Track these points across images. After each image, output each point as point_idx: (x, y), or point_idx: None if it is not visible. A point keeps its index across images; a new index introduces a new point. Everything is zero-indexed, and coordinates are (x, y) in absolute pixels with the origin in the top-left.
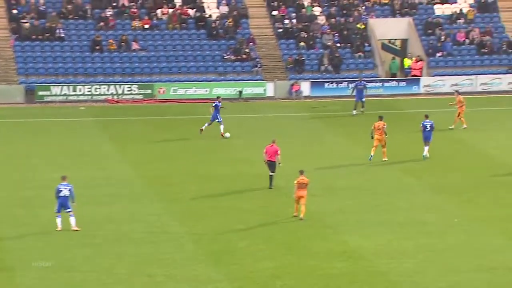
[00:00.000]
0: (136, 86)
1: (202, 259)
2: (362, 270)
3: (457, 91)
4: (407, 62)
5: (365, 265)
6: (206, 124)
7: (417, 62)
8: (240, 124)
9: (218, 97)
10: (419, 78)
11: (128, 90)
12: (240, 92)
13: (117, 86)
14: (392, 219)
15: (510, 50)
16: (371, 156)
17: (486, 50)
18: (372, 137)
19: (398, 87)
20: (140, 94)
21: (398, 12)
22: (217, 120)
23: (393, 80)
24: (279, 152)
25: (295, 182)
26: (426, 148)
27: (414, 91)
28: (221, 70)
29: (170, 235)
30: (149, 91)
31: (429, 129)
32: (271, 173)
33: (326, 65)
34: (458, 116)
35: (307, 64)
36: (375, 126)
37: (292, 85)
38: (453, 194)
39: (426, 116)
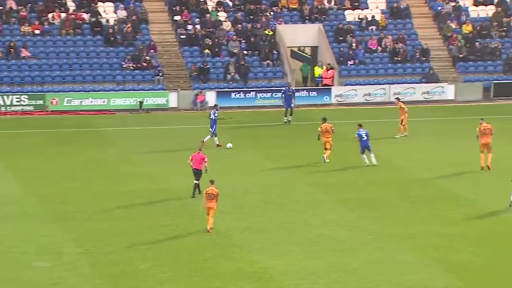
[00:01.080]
0: (26, 96)
1: (99, 283)
2: None
3: (397, 98)
4: (318, 71)
5: (275, 286)
6: (209, 137)
7: (328, 70)
8: (141, 137)
9: (216, 105)
10: (330, 88)
11: (17, 101)
12: (141, 102)
13: (5, 97)
14: (303, 236)
15: (424, 58)
16: (324, 158)
17: (399, 58)
18: (319, 139)
19: (309, 97)
20: (30, 105)
21: (307, 18)
22: (210, 130)
23: (303, 89)
24: (205, 159)
25: (204, 192)
26: (372, 155)
27: (326, 101)
28: (119, 79)
29: (64, 258)
30: (40, 102)
31: (365, 138)
32: (196, 182)
33: (232, 73)
34: (401, 123)
35: (213, 72)
36: (322, 129)
37: (197, 95)
38: (367, 210)
39: (360, 126)
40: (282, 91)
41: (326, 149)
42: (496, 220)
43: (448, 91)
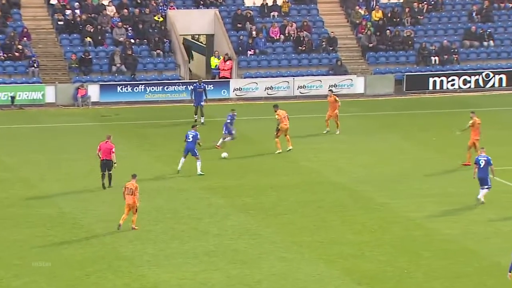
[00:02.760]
0: None
1: None
2: None
3: (330, 90)
4: (214, 62)
5: None
6: (224, 140)
7: (225, 61)
8: (13, 136)
9: (232, 110)
10: (228, 81)
11: None
12: (13, 97)
13: None
14: (199, 247)
15: (331, 48)
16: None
17: (304, 48)
18: (278, 129)
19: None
20: None
21: (202, 2)
22: (226, 132)
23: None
24: (113, 150)
25: (124, 186)
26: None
27: (224, 96)
28: None
29: None
30: None
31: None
32: (106, 172)
33: (118, 65)
34: (336, 118)
35: (95, 63)
36: (280, 116)
37: (77, 89)
38: (270, 216)
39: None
40: (193, 87)
41: (286, 136)
42: (411, 226)
43: (357, 84)
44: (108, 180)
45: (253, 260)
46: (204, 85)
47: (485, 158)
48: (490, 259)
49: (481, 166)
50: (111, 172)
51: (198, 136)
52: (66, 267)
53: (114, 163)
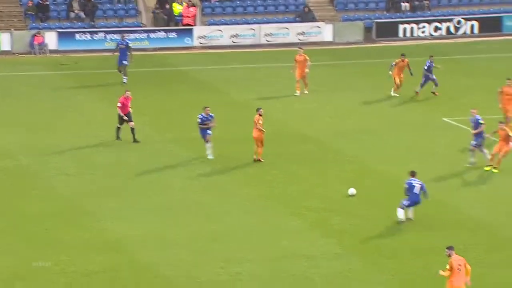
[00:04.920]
0: None
1: None
2: (126, 264)
3: (300, 47)
4: (177, 8)
5: (131, 258)
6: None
7: (188, 7)
8: None
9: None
10: (191, 28)
11: None
12: None
13: None
14: (163, 201)
15: None
16: None
17: None
18: None
19: (167, 39)
20: None
21: None
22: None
23: (160, 30)
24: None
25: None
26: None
27: (187, 44)
28: None
29: None
30: None
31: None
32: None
33: (77, 11)
34: (305, 78)
35: (53, 10)
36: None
37: (34, 36)
38: (236, 170)
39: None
40: (116, 43)
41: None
42: (380, 177)
43: (325, 31)
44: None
45: (218, 214)
46: (128, 41)
47: (420, 183)
48: (461, 210)
49: (416, 192)
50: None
51: (210, 119)
52: (24, 222)
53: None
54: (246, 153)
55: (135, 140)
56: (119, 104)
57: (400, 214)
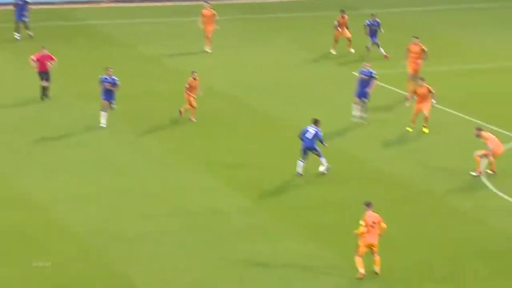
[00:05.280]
0: None
1: None
2: (37, 222)
3: (206, 1)
4: None
5: (41, 216)
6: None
7: None
8: None
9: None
10: None
11: None
12: None
13: None
14: (73, 158)
15: None
16: None
17: None
18: None
19: None
20: None
21: None
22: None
23: None
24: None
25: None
26: None
27: None
28: None
29: None
30: None
31: None
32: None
33: None
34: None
35: None
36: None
37: None
38: (146, 124)
39: None
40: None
41: None
42: (291, 130)
43: None
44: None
45: (129, 169)
46: None
47: (315, 130)
48: (377, 166)
49: (307, 137)
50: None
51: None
52: None
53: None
54: (156, 109)
55: (44, 97)
56: (33, 59)
57: (299, 166)
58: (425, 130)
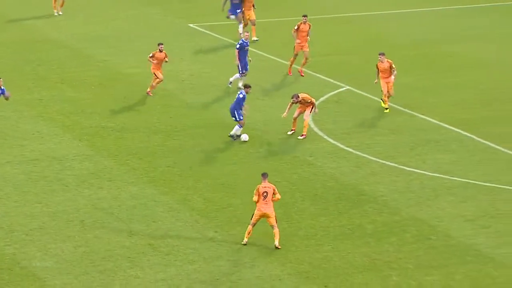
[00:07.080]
0: None
1: None
2: None
3: None
4: None
5: None
6: None
7: None
8: None
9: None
10: None
11: None
12: None
13: None
14: None
15: None
16: None
17: None
18: None
19: None
20: None
21: None
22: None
23: None
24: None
25: None
26: None
27: None
28: None
29: None
30: None
31: None
32: None
33: None
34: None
35: None
36: None
37: None
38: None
39: None
40: None
41: None
42: (128, 79)
43: None
44: None
45: None
46: None
47: (242, 94)
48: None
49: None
50: None
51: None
52: None
53: None
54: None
55: None
56: None
57: (240, 134)
58: (386, 106)
